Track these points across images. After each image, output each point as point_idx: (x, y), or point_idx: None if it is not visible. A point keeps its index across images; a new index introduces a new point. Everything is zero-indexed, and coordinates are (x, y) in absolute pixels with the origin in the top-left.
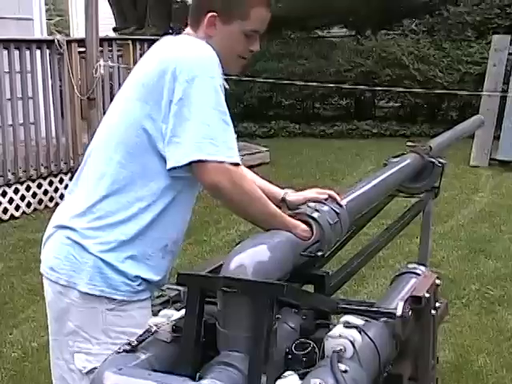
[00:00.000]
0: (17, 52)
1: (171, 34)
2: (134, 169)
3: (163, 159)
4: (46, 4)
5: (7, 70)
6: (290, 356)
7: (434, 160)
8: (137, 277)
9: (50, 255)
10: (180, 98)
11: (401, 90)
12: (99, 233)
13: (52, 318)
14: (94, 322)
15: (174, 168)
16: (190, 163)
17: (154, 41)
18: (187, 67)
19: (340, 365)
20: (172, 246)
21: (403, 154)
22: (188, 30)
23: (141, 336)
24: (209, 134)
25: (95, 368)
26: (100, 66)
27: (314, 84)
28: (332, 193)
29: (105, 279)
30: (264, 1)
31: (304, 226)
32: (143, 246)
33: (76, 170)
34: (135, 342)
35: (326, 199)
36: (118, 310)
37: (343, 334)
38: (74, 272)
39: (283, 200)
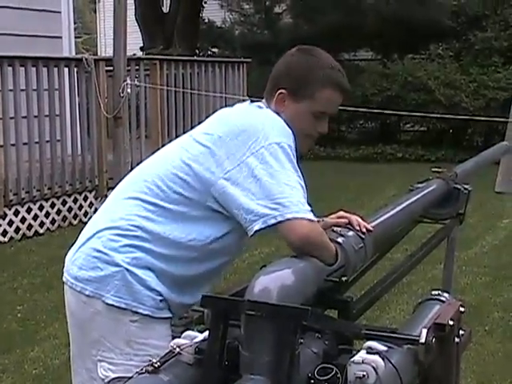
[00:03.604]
0: (45, 70)
1: (198, 54)
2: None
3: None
4: (74, 22)
5: (35, 88)
6: (312, 381)
7: (459, 186)
8: (161, 294)
9: (75, 265)
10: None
11: (426, 115)
12: (132, 249)
13: (75, 327)
14: (117, 332)
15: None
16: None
17: (181, 61)
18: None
19: None
20: (203, 280)
21: (429, 179)
22: (263, 100)
23: (163, 357)
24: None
25: (117, 378)
26: (127, 85)
27: (340, 107)
28: (358, 218)
29: (132, 293)
30: (333, 83)
31: None
32: (175, 273)
33: (99, 188)
34: (157, 363)
35: (346, 224)
36: (141, 322)
37: (366, 360)
38: (100, 284)
39: None
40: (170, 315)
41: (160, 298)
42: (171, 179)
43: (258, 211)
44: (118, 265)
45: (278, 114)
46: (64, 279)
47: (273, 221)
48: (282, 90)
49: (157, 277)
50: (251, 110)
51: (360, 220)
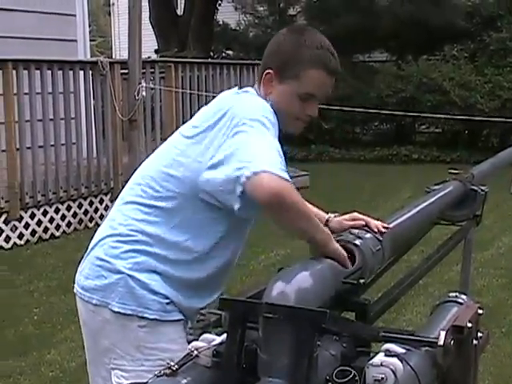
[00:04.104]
0: (60, 73)
1: (212, 57)
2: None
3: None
4: (88, 25)
5: (50, 91)
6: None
7: (476, 188)
8: (167, 297)
9: (82, 275)
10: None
11: (441, 116)
12: (134, 254)
13: (87, 336)
14: (126, 338)
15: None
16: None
17: (196, 63)
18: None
19: None
20: (211, 281)
21: (445, 181)
22: (255, 85)
23: (181, 360)
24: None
25: None
26: (142, 87)
27: (355, 109)
28: (374, 221)
29: (136, 298)
30: (321, 64)
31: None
32: (180, 274)
33: (115, 190)
34: (175, 366)
35: (363, 226)
36: (149, 326)
37: (384, 363)
38: (105, 292)
39: (326, 225)
40: (180, 317)
41: (166, 300)
42: (163, 178)
43: (231, 175)
44: (119, 272)
45: (266, 95)
46: (74, 290)
47: (244, 179)
48: (269, 70)
49: (162, 280)
50: (231, 96)
51: (376, 222)
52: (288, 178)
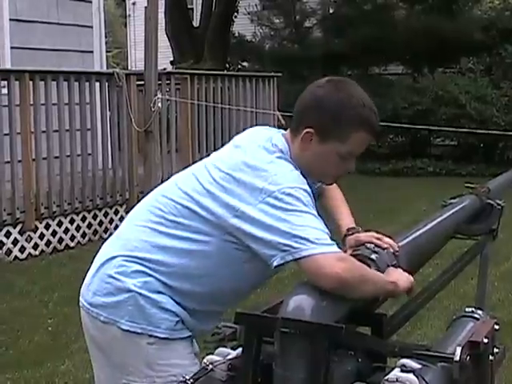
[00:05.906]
0: (77, 84)
1: (228, 68)
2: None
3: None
4: (105, 37)
5: (67, 102)
6: None
7: (492, 202)
8: (177, 315)
9: (90, 290)
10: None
11: (457, 130)
12: (143, 274)
13: (96, 350)
14: (137, 356)
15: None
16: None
17: (212, 75)
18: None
19: None
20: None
21: (461, 195)
22: (288, 132)
23: (196, 374)
24: None
25: None
26: (158, 99)
27: None
28: (387, 239)
29: (146, 317)
30: (366, 126)
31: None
32: (188, 297)
33: (130, 202)
34: (190, 380)
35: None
36: (158, 344)
37: (400, 379)
38: (115, 309)
39: (344, 237)
40: (188, 334)
41: (176, 319)
42: (187, 213)
43: (277, 245)
44: (129, 290)
45: (301, 151)
46: (80, 304)
47: (295, 256)
48: (310, 130)
49: (171, 298)
50: (266, 157)
51: (390, 241)
52: (338, 249)
